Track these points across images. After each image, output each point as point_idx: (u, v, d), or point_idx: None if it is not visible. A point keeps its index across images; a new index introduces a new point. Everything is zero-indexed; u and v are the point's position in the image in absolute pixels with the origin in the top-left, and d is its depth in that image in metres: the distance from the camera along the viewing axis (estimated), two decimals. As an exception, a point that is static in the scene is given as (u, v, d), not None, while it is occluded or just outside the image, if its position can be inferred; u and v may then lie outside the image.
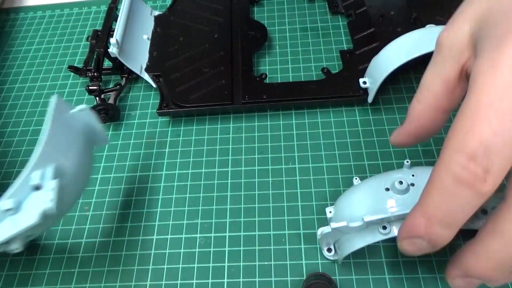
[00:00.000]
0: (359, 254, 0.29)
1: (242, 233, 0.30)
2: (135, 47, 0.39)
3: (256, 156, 0.34)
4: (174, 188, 0.33)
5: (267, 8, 0.45)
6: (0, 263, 0.31)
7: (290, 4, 0.45)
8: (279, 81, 0.38)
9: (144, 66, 0.38)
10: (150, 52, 0.40)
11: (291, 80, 0.39)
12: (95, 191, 0.34)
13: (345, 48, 0.40)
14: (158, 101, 0.36)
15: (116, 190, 0.34)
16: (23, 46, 0.46)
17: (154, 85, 0.38)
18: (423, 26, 0.36)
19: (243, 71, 0.38)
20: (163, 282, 0.29)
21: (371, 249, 0.29)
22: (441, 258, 0.28)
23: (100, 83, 0.37)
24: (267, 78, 0.38)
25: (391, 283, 0.27)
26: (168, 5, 0.44)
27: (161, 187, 0.33)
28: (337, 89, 0.36)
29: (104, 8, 0.48)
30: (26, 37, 0.46)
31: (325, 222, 0.30)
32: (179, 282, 0.29)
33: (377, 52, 0.34)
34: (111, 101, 0.37)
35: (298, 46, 0.41)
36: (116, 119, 0.37)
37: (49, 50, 0.45)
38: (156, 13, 0.44)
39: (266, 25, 0.42)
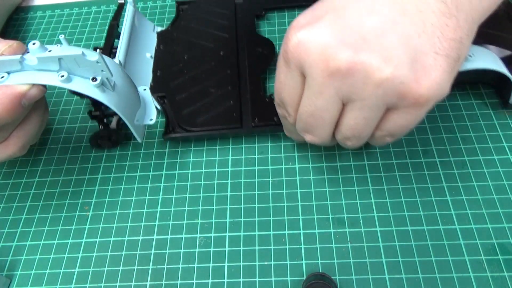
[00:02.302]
0: (359, 253, 0.29)
1: (242, 233, 0.30)
2: (138, 67, 0.37)
3: (257, 156, 0.34)
4: (174, 188, 0.33)
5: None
6: (0, 264, 0.31)
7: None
8: None
9: (148, 86, 0.37)
10: (154, 71, 0.38)
11: None
12: (95, 191, 0.34)
13: None
14: (164, 119, 0.35)
15: (116, 190, 0.34)
16: (23, 46, 0.46)
17: (158, 107, 0.35)
18: None
19: (251, 91, 0.36)
20: (163, 282, 0.29)
21: (371, 249, 0.29)
22: (440, 258, 0.28)
23: (103, 107, 0.33)
24: None
25: (391, 283, 0.27)
26: (171, 20, 0.42)
27: (161, 187, 0.33)
28: None
29: (104, 8, 0.48)
30: (26, 37, 0.46)
31: (325, 222, 0.30)
32: (179, 282, 0.29)
33: None
34: (114, 124, 0.35)
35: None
36: (119, 144, 0.36)
37: (49, 50, 0.45)
38: (159, 29, 0.42)
39: (273, 41, 0.39)
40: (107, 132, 0.34)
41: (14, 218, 0.33)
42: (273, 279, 0.28)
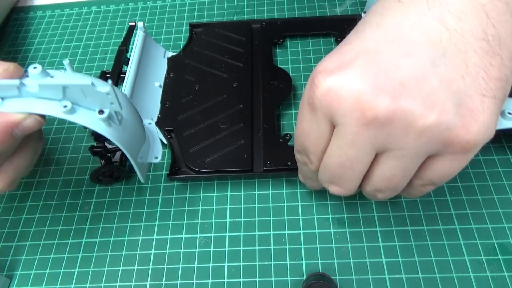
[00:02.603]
0: (359, 253, 0.29)
1: (242, 233, 0.30)
2: (146, 98, 0.35)
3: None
4: (174, 188, 0.33)
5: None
6: (0, 264, 0.31)
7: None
8: None
9: (155, 119, 0.35)
10: (162, 102, 0.36)
11: None
12: (95, 191, 0.34)
13: None
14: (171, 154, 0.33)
15: (116, 190, 0.34)
16: (23, 46, 0.46)
17: (165, 142, 0.34)
18: None
19: (265, 129, 0.33)
20: (163, 282, 0.29)
21: (371, 249, 0.29)
22: (440, 258, 0.28)
23: (106, 142, 0.31)
24: (293, 137, 0.33)
25: (391, 283, 0.27)
26: (183, 45, 0.41)
27: (161, 187, 0.33)
28: None
29: (104, 8, 0.48)
30: (26, 37, 0.46)
31: (325, 221, 0.30)
32: (179, 282, 0.29)
33: None
34: (117, 158, 0.33)
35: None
36: (122, 179, 0.34)
37: (49, 50, 0.45)
38: (170, 54, 0.40)
39: (290, 70, 0.38)
40: (109, 169, 0.32)
41: (14, 218, 0.33)
42: (273, 279, 0.28)
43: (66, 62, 0.27)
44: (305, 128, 0.23)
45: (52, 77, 0.23)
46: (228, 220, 0.31)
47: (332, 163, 0.22)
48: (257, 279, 0.28)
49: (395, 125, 0.19)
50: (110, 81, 0.23)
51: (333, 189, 0.24)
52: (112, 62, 0.36)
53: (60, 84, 0.22)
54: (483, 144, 0.20)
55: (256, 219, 0.31)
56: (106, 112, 0.24)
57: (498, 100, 0.20)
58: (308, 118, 0.22)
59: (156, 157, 0.29)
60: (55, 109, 0.23)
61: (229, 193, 0.32)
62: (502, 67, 0.20)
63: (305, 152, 0.24)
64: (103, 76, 0.36)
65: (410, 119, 0.19)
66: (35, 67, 0.22)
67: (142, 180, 0.29)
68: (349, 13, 0.44)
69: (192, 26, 0.42)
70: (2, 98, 0.23)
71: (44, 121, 0.23)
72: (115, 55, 0.36)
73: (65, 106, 0.23)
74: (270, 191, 0.32)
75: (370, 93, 0.19)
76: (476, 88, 0.19)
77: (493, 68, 0.19)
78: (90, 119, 0.24)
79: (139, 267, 0.30)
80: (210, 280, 0.29)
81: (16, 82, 0.22)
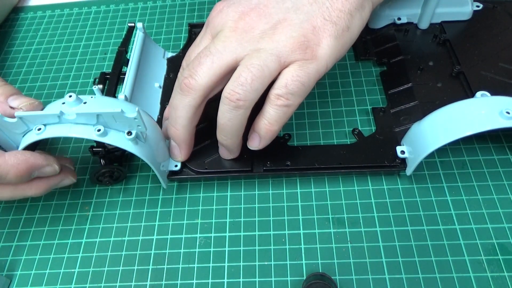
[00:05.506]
0: (359, 253, 0.29)
1: (242, 233, 0.30)
2: (146, 99, 0.35)
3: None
4: (174, 188, 0.33)
5: None
6: (0, 264, 0.31)
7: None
8: (306, 138, 0.35)
9: (155, 119, 0.35)
10: (162, 102, 0.36)
11: (319, 134, 0.35)
12: (95, 191, 0.34)
13: (377, 98, 0.36)
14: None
15: (116, 191, 0.34)
16: (23, 46, 0.46)
17: None
18: (466, 82, 0.33)
19: None
20: (163, 282, 0.29)
21: (371, 249, 0.29)
22: (440, 258, 0.28)
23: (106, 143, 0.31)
24: (292, 136, 0.34)
25: (391, 283, 0.27)
26: (183, 45, 0.41)
27: (161, 187, 0.33)
28: (369, 156, 0.31)
29: (104, 8, 0.48)
30: (26, 37, 0.46)
31: (325, 222, 0.30)
32: (179, 282, 0.29)
33: (416, 114, 0.32)
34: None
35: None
36: (121, 180, 0.34)
37: (49, 50, 0.45)
38: (169, 54, 0.40)
39: None
40: (109, 169, 0.32)
41: (14, 218, 0.33)
42: (273, 279, 0.28)
43: (95, 87, 0.32)
44: (197, 42, 0.30)
45: (85, 103, 0.27)
46: (228, 220, 0.31)
47: (201, 54, 0.27)
48: (257, 279, 0.28)
49: (254, 32, 0.26)
50: (137, 108, 0.26)
51: (187, 81, 0.27)
52: (112, 62, 0.36)
53: (94, 113, 0.26)
54: (325, 57, 0.26)
55: (256, 219, 0.31)
56: (134, 133, 0.27)
57: (339, 27, 0.26)
58: (201, 35, 0.30)
59: (176, 165, 0.32)
60: (90, 133, 0.26)
61: (229, 193, 0.32)
62: (345, 2, 0.26)
63: (187, 63, 0.30)
64: (103, 77, 0.36)
65: (265, 28, 0.26)
66: (70, 96, 0.26)
67: (164, 186, 0.32)
68: None
69: (191, 26, 0.42)
70: (45, 125, 0.27)
71: (59, 170, 0.28)
72: (114, 55, 0.36)
73: (99, 130, 0.26)
74: (270, 191, 0.32)
75: (240, 15, 0.27)
76: (320, 12, 0.26)
77: (337, 1, 0.26)
78: (120, 140, 0.27)
79: (139, 267, 0.30)
80: (210, 280, 0.29)
81: (57, 111, 0.26)
